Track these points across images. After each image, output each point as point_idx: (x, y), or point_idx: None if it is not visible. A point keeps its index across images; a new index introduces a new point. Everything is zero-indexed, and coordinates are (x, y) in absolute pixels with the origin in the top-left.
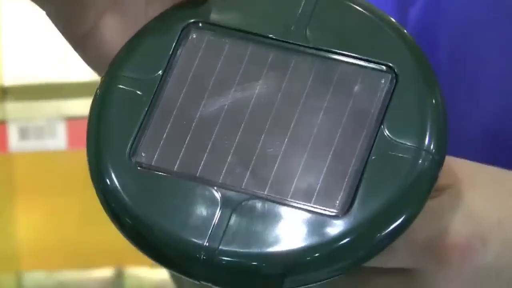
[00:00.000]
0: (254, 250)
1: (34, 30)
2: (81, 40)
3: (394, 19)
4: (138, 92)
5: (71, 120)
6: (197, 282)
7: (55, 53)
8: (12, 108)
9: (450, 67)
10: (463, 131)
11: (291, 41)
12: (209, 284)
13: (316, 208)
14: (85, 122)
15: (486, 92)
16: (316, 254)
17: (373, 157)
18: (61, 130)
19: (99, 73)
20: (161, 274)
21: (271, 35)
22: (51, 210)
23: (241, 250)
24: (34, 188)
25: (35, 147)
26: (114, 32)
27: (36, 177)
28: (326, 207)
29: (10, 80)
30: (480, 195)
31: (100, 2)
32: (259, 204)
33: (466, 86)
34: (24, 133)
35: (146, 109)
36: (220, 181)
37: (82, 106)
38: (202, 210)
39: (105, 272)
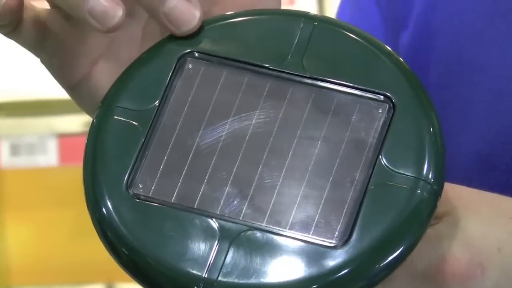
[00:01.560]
0: (253, 281)
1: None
2: (75, 86)
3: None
4: (135, 123)
5: (62, 137)
6: None
7: (46, 70)
8: (3, 124)
9: (441, 91)
10: (454, 154)
11: (287, 71)
12: None
13: (315, 239)
14: (76, 139)
15: (477, 116)
16: (315, 286)
17: (371, 187)
18: (52, 147)
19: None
20: None
21: (268, 65)
22: (41, 225)
23: (240, 282)
24: (25, 204)
25: (26, 163)
26: (108, 77)
27: (27, 193)
28: (325, 238)
29: (1, 96)
30: (478, 222)
31: (94, 49)
32: (257, 236)
33: (457, 110)
34: (15, 149)
35: (143, 140)
36: (218, 212)
37: (73, 123)
38: (200, 242)
39: None
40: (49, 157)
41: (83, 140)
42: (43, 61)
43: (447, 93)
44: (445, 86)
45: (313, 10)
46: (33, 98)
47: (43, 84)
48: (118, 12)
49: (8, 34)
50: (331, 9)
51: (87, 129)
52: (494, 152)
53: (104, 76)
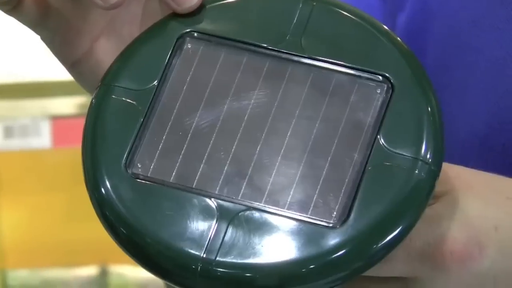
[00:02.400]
0: (251, 261)
1: (18, 29)
2: (76, 64)
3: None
4: (134, 103)
5: (55, 119)
6: None
7: (40, 52)
8: None
9: (438, 73)
10: (452, 134)
11: (286, 51)
12: None
13: (313, 219)
14: (70, 121)
15: (475, 97)
16: (313, 265)
17: (369, 168)
18: (46, 129)
19: None
20: (146, 272)
21: (266, 45)
22: (35, 208)
23: (238, 262)
24: (18, 187)
25: (20, 146)
26: (109, 54)
27: (21, 175)
28: (323, 218)
29: None
30: (476, 201)
31: (95, 26)
32: (256, 215)
33: (455, 90)
34: (9, 132)
35: (142, 119)
36: (216, 192)
37: (67, 105)
38: (198, 221)
39: (90, 270)
40: (43, 139)
41: (77, 123)
42: (44, 39)
43: (443, 76)
44: (442, 68)
45: None
46: (26, 80)
47: (36, 66)
48: None
49: (9, 12)
50: None
51: (81, 111)
52: (491, 133)
53: (105, 53)
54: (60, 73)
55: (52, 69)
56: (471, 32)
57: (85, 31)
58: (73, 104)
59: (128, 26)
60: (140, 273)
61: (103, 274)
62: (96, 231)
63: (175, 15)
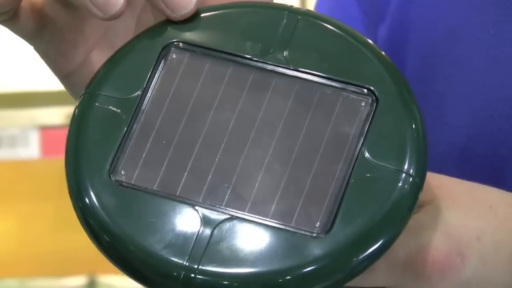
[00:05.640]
0: (234, 270)
1: (7, 38)
2: (69, 75)
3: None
4: (117, 111)
5: (44, 129)
6: None
7: (28, 62)
8: None
9: (416, 84)
10: (431, 145)
11: (271, 63)
12: None
13: (296, 228)
14: (59, 131)
15: (451, 109)
16: (296, 275)
17: (353, 179)
18: (34, 139)
19: None
20: (134, 282)
21: (251, 56)
22: (24, 218)
23: (221, 270)
24: (6, 196)
25: (8, 156)
26: None
27: (9, 185)
28: (306, 228)
29: None
30: (458, 210)
31: (90, 38)
32: (239, 224)
33: (432, 103)
34: None
35: (126, 128)
36: (200, 200)
37: (55, 115)
38: (182, 229)
39: (78, 280)
40: (31, 149)
41: (66, 133)
42: (37, 50)
43: (422, 87)
44: (420, 79)
45: (295, 1)
46: (15, 90)
47: (25, 76)
48: (120, 0)
49: (4, 23)
50: (312, 3)
51: (69, 121)
52: (469, 145)
53: (99, 64)
54: (48, 83)
55: (40, 79)
56: (449, 43)
57: (80, 42)
58: (61, 114)
59: (122, 37)
60: (128, 283)
61: (92, 284)
62: (85, 241)
63: (162, 25)
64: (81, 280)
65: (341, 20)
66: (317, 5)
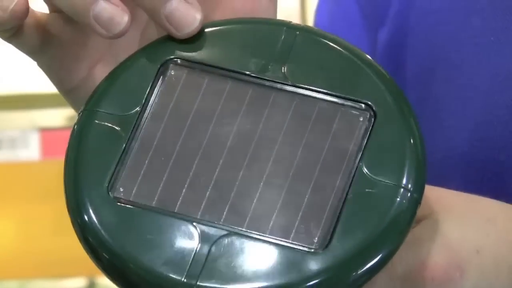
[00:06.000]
0: (232, 286)
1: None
2: (73, 90)
3: (365, 41)
4: (116, 128)
5: (44, 131)
6: None
7: (29, 64)
8: None
9: (416, 88)
10: (430, 149)
11: (269, 78)
12: None
13: (294, 244)
14: (59, 133)
15: (451, 114)
16: None
17: (351, 195)
18: (34, 141)
19: None
20: None
21: (250, 72)
22: (23, 219)
23: (219, 287)
24: (6, 198)
25: (8, 157)
26: None
27: (9, 187)
28: (305, 244)
29: None
30: (457, 224)
31: (94, 53)
32: (237, 240)
33: (431, 107)
34: None
35: (124, 144)
36: (198, 217)
37: (55, 117)
38: (180, 246)
39: (78, 282)
40: (31, 151)
41: (66, 134)
42: (41, 65)
43: (421, 91)
44: (420, 83)
45: (295, 8)
46: (15, 92)
47: (25, 78)
48: (124, 18)
49: (8, 39)
50: (313, 6)
51: (69, 123)
52: (469, 149)
53: (102, 78)
54: (49, 85)
55: (40, 81)
56: (449, 47)
57: (84, 58)
58: (61, 116)
59: (126, 52)
60: None
61: (91, 286)
62: None
63: (161, 41)
64: (81, 282)
65: (342, 23)
66: (318, 9)
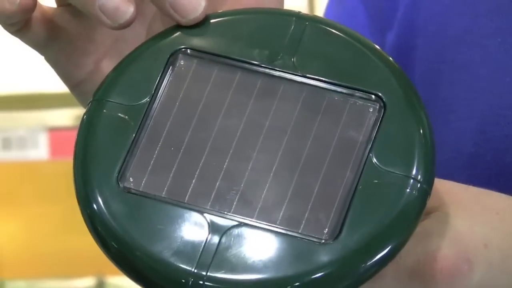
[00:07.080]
0: (242, 277)
1: (15, 40)
2: (79, 84)
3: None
4: (126, 118)
5: (53, 131)
6: None
7: (38, 64)
8: None
9: (423, 90)
10: (437, 150)
11: (279, 69)
12: None
13: (304, 235)
14: (67, 133)
15: (458, 115)
16: (304, 282)
17: (361, 186)
18: (43, 140)
19: None
20: None
21: (259, 62)
22: (32, 219)
23: (229, 277)
24: (15, 198)
25: (17, 157)
26: None
27: (18, 187)
28: (314, 235)
29: None
30: (466, 217)
31: (100, 47)
32: (247, 231)
33: (439, 108)
34: (6, 143)
35: (134, 134)
36: (208, 207)
37: (64, 117)
38: (190, 236)
39: (87, 282)
40: (40, 151)
41: (74, 134)
42: (48, 59)
43: (429, 92)
44: (427, 85)
45: (303, 8)
46: (24, 92)
47: (34, 78)
48: (130, 8)
49: (15, 33)
50: (322, 8)
51: (78, 123)
52: (476, 150)
53: None
54: (57, 85)
55: (49, 81)
56: (456, 49)
57: (90, 52)
58: (70, 116)
59: (132, 46)
60: (137, 285)
61: (100, 285)
62: (93, 242)
63: (170, 30)
64: (90, 281)
65: (347, 25)
66: (326, 12)
